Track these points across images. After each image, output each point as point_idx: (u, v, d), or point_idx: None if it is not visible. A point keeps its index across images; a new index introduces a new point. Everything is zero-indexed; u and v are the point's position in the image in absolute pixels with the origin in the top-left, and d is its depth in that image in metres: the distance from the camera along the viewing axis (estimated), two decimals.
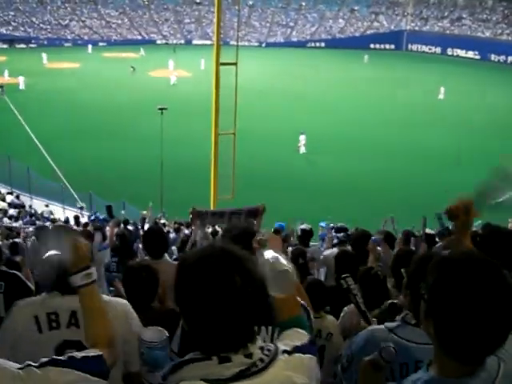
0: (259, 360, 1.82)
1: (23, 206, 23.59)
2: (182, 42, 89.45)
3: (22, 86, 48.40)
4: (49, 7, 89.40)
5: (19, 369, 2.02)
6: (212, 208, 22.07)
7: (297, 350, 1.97)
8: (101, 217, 18.72)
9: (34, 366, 2.06)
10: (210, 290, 1.74)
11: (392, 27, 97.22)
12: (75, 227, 16.83)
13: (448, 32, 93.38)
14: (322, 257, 8.27)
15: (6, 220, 20.29)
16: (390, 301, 4.22)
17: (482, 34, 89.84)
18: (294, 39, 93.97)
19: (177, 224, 18.05)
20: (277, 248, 2.35)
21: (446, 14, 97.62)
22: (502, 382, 1.81)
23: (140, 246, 11.11)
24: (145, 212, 21.20)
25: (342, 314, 5.02)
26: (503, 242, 3.40)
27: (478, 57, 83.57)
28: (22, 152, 30.06)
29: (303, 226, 9.00)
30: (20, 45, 78.69)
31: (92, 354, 2.21)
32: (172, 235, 16.11)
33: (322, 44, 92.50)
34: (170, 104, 32.57)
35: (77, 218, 18.98)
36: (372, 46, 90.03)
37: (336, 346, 4.67)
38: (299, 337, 2.07)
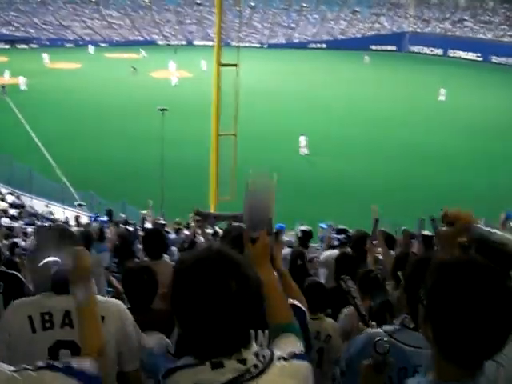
0: (253, 366, 1.79)
1: (23, 207, 23.60)
2: (183, 42, 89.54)
3: (23, 87, 48.40)
4: (50, 8, 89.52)
5: (14, 371, 2.01)
6: (212, 210, 22.10)
7: (294, 356, 1.95)
8: (101, 218, 18.72)
9: (30, 369, 2.05)
10: (204, 294, 1.72)
11: (393, 29, 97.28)
12: (75, 228, 16.83)
13: (449, 33, 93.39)
14: (322, 258, 8.26)
15: (6, 220, 20.30)
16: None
17: (483, 36, 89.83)
18: (296, 40, 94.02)
19: (176, 225, 18.04)
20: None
21: (447, 15, 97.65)
22: None
23: (139, 246, 11.09)
24: (144, 212, 21.21)
25: (341, 316, 5.00)
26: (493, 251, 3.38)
27: (479, 58, 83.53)
28: (23, 152, 30.09)
29: (303, 228, 8.99)
30: (21, 45, 78.76)
31: (88, 367, 2.21)
32: (172, 236, 16.09)
33: (324, 45, 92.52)
34: (171, 105, 32.56)
35: (77, 218, 18.98)
36: (373, 47, 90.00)
37: (335, 349, 4.65)
38: (293, 344, 2.05)
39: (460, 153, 33.89)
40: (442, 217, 2.79)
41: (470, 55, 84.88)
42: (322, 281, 7.12)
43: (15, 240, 12.86)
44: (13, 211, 21.83)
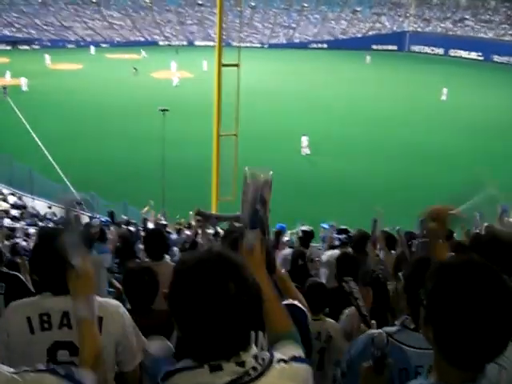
0: (252, 369, 1.78)
1: (25, 207, 23.61)
2: (184, 43, 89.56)
3: (24, 87, 48.43)
4: (52, 9, 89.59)
5: (14, 373, 2.01)
6: (213, 210, 22.08)
7: (293, 359, 1.95)
8: (102, 219, 18.70)
9: (30, 371, 2.05)
10: (202, 296, 1.72)
11: (394, 28, 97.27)
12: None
13: (451, 33, 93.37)
14: (323, 258, 8.25)
15: (8, 221, 20.31)
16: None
17: (484, 35, 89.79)
18: (297, 40, 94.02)
19: (178, 225, 18.06)
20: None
21: (448, 14, 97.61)
22: None
23: (141, 247, 11.09)
24: (145, 209, 21.26)
25: (342, 317, 5.00)
26: (503, 247, 3.37)
27: (480, 58, 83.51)
28: (25, 153, 30.11)
29: (304, 228, 8.99)
30: (23, 46, 78.88)
31: (88, 380, 2.22)
32: (173, 236, 16.10)
33: (325, 45, 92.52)
34: (172, 105, 32.57)
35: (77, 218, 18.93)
36: (374, 47, 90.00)
37: (336, 349, 4.65)
38: (293, 348, 2.04)
39: (461, 152, 33.86)
40: (426, 216, 2.84)
41: (472, 54, 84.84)
42: (323, 281, 7.13)
43: (17, 241, 12.88)
44: (14, 212, 21.85)
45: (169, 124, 28.66)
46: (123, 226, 16.75)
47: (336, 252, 7.70)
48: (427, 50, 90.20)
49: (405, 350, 2.62)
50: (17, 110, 40.89)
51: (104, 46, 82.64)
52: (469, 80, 62.50)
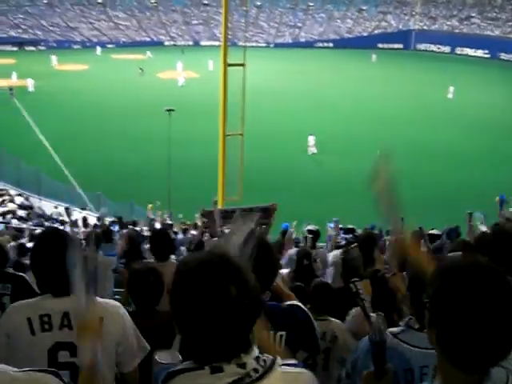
0: (253, 370, 1.78)
1: (32, 208, 23.70)
2: (190, 43, 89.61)
3: (31, 88, 48.60)
4: (58, 10, 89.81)
5: (18, 372, 2.02)
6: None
7: (295, 365, 1.94)
8: (109, 219, 18.74)
9: (35, 371, 2.06)
10: (203, 298, 1.71)
11: (400, 26, 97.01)
12: (83, 229, 16.89)
13: (457, 31, 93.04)
14: (330, 257, 8.23)
15: (15, 221, 20.41)
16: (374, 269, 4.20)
17: (491, 33, 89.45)
18: (302, 39, 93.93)
19: (183, 225, 18.09)
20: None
21: (454, 12, 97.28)
22: None
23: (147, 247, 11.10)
24: (149, 206, 21.29)
25: (348, 318, 4.99)
26: (509, 243, 3.36)
27: (487, 55, 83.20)
28: (32, 154, 30.22)
29: (310, 227, 8.97)
30: (29, 47, 79.15)
31: None
32: (180, 236, 16.13)
33: (330, 44, 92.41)
34: (178, 105, 32.63)
35: (85, 220, 19.03)
36: (380, 45, 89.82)
37: (341, 349, 4.64)
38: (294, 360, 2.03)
39: (467, 150, 33.79)
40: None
41: (478, 52, 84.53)
42: (329, 281, 7.12)
43: (22, 241, 12.92)
44: (21, 212, 21.94)
45: (175, 124, 28.71)
46: (130, 227, 16.78)
47: (342, 251, 7.67)
48: (433, 48, 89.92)
49: (409, 349, 2.61)
50: (23, 111, 41.04)
51: (110, 46, 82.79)
52: (475, 78, 62.30)
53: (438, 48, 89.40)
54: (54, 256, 2.91)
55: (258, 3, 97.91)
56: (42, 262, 2.97)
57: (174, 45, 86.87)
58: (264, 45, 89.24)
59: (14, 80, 50.48)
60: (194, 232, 16.45)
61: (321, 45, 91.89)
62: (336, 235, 12.09)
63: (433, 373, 1.87)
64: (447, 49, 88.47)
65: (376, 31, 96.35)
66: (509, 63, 77.68)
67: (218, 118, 21.99)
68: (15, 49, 76.95)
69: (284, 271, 7.47)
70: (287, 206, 20.24)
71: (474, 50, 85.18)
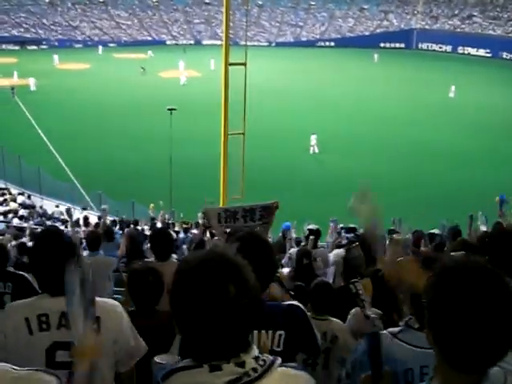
0: (252, 370, 1.77)
1: (34, 207, 23.72)
2: (192, 42, 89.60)
3: (32, 88, 48.64)
4: (59, 9, 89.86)
5: (20, 371, 2.02)
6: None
7: (295, 367, 1.94)
8: (111, 218, 18.78)
9: (37, 370, 2.06)
10: (202, 297, 1.72)
11: (402, 26, 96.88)
12: (84, 228, 16.91)
13: (459, 30, 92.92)
14: (330, 257, 8.24)
15: (16, 220, 20.42)
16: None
17: (493, 32, 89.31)
18: (304, 39, 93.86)
19: (185, 224, 18.10)
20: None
21: (456, 11, 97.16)
22: None
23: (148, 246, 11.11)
24: (152, 205, 21.28)
25: (349, 317, 4.98)
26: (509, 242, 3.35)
27: (489, 55, 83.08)
28: (33, 153, 30.24)
29: (310, 226, 8.97)
30: (31, 46, 79.19)
31: None
32: (181, 235, 16.14)
33: (332, 43, 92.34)
34: (180, 104, 32.63)
35: (86, 219, 19.05)
36: (382, 44, 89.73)
37: (341, 349, 4.63)
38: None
39: (469, 150, 33.76)
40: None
41: (480, 51, 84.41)
42: (331, 280, 7.12)
43: (23, 240, 12.93)
44: (23, 211, 21.96)
45: (176, 123, 28.70)
46: (131, 226, 16.81)
47: (343, 251, 7.67)
48: (435, 47, 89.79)
49: (409, 349, 2.60)
50: (25, 110, 41.07)
51: (111, 45, 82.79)
52: (477, 77, 62.23)
53: (440, 47, 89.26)
54: (52, 256, 2.91)
55: (260, 2, 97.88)
56: (40, 261, 2.97)
57: (176, 44, 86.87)
58: (265, 44, 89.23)
59: (15, 79, 50.47)
60: (195, 231, 16.46)
61: (322, 44, 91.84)
62: (337, 234, 12.09)
63: (430, 376, 1.87)
64: (449, 48, 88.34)
65: (378, 30, 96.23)
66: (510, 62, 77.54)
67: (220, 117, 21.96)
68: (17, 48, 77.03)
69: (284, 270, 7.48)
70: (289, 205, 20.20)
71: (475, 49, 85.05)
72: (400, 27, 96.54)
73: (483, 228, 9.79)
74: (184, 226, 18.18)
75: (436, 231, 10.17)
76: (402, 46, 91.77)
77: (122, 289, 7.54)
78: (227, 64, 20.68)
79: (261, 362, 1.81)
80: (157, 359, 3.02)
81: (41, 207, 24.08)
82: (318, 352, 3.19)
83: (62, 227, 16.59)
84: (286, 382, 1.84)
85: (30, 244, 12.04)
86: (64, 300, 2.68)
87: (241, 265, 1.82)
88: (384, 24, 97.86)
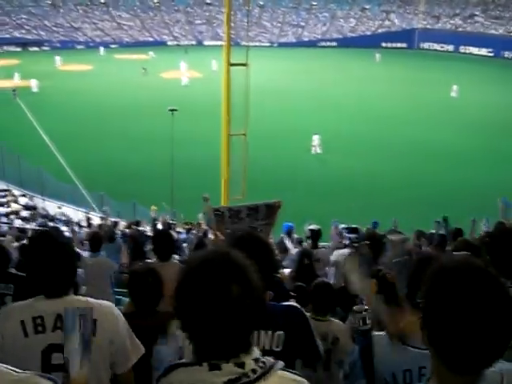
0: (251, 371, 1.77)
1: (36, 208, 23.75)
2: (193, 42, 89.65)
3: (34, 89, 48.67)
4: (61, 10, 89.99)
5: (21, 373, 2.02)
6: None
7: (294, 373, 1.94)
8: (112, 219, 18.81)
9: (38, 375, 2.05)
10: (204, 296, 1.72)
11: (403, 25, 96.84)
12: (86, 229, 16.92)
13: (460, 29, 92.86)
14: (331, 257, 8.21)
15: (18, 222, 20.45)
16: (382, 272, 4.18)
17: (495, 31, 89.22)
18: (306, 39, 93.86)
19: (186, 225, 18.11)
20: None
21: (458, 11, 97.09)
22: None
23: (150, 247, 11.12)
24: (153, 207, 21.26)
25: (350, 316, 4.96)
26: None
27: (491, 54, 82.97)
28: (35, 154, 30.26)
29: (312, 227, 8.95)
30: (33, 48, 79.26)
31: None
32: (183, 236, 16.16)
33: (334, 43, 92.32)
34: (182, 105, 32.63)
35: (88, 219, 19.08)
36: (384, 44, 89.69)
37: (342, 351, 4.62)
38: None
39: (471, 150, 33.71)
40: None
41: (482, 51, 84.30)
42: (332, 281, 7.11)
43: (25, 242, 12.93)
44: (25, 213, 21.98)
45: (178, 124, 28.69)
46: (133, 227, 16.82)
47: (344, 251, 7.65)
48: (437, 47, 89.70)
49: (408, 350, 2.60)
50: (27, 112, 41.11)
51: (113, 46, 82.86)
52: (479, 77, 62.15)
53: (442, 47, 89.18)
54: (46, 257, 2.91)
55: (261, 3, 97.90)
56: (34, 263, 2.96)
57: (177, 44, 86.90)
58: (267, 44, 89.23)
59: (17, 81, 50.48)
60: (197, 232, 16.47)
61: (324, 44, 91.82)
62: (339, 235, 12.06)
63: (427, 378, 1.86)
64: (451, 47, 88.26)
65: (379, 30, 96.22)
66: None
67: (221, 118, 21.97)
68: (19, 49, 77.10)
69: (286, 271, 7.47)
70: (291, 205, 20.20)
71: (477, 48, 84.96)
72: (402, 27, 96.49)
73: (485, 229, 9.79)
74: (186, 226, 18.19)
75: (437, 231, 10.15)
76: (404, 45, 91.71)
77: (123, 290, 7.56)
78: (228, 64, 20.69)
79: (261, 364, 1.81)
80: (158, 354, 3.02)
81: (43, 208, 24.11)
82: (318, 358, 3.15)
83: (64, 228, 16.59)
84: None
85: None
86: (59, 302, 2.68)
87: (245, 265, 1.83)
88: (386, 24, 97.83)
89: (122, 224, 18.84)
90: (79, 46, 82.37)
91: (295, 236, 13.13)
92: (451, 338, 1.64)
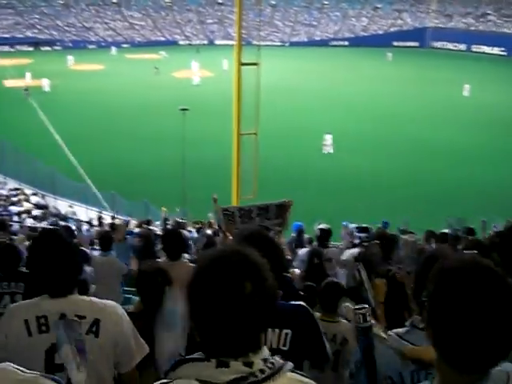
0: (259, 371, 1.75)
1: (47, 207, 23.83)
2: (205, 42, 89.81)
3: (46, 88, 48.91)
4: (73, 10, 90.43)
5: (27, 374, 2.02)
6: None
7: (304, 375, 1.93)
8: (122, 218, 18.86)
9: (43, 376, 2.05)
10: (216, 292, 1.71)
11: (416, 24, 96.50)
12: (97, 228, 16.97)
13: (473, 28, 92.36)
14: (342, 257, 8.18)
15: (30, 221, 20.51)
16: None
17: (507, 30, 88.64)
18: (317, 38, 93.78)
19: (198, 224, 18.12)
20: None
21: (470, 10, 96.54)
22: None
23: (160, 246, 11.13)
24: (164, 208, 21.30)
25: (352, 316, 4.93)
26: None
27: (504, 53, 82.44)
28: (47, 153, 30.41)
29: (321, 226, 8.91)
30: (45, 47, 79.72)
31: None
32: (193, 235, 16.18)
33: (346, 42, 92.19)
34: (193, 104, 32.68)
35: (100, 218, 19.14)
36: (395, 43, 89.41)
37: (351, 352, 4.59)
38: None
39: (484, 149, 33.52)
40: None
41: (495, 50, 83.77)
42: (343, 281, 7.08)
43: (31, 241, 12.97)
44: (36, 212, 22.06)
45: (189, 123, 28.72)
46: (144, 226, 16.85)
47: (355, 251, 7.63)
48: (449, 46, 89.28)
49: None
50: (39, 111, 41.32)
51: (125, 46, 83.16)
52: (491, 76, 61.76)
53: (454, 46, 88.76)
54: (50, 257, 2.91)
55: (273, 2, 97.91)
56: (38, 262, 2.97)
57: (189, 44, 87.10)
58: (279, 43, 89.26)
59: (29, 80, 50.74)
60: (208, 231, 16.49)
61: (336, 43, 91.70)
62: (349, 235, 12.05)
63: (432, 377, 1.85)
64: (463, 46, 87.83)
65: (391, 29, 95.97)
66: None
67: (232, 117, 21.97)
68: (31, 49, 77.59)
69: (296, 271, 7.44)
70: (302, 204, 20.15)
71: (490, 47, 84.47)
72: (414, 26, 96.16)
73: (495, 229, 9.73)
74: (196, 226, 18.21)
75: (447, 231, 10.10)
76: (416, 44, 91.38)
77: (132, 288, 7.59)
78: (240, 64, 20.67)
79: (269, 365, 1.79)
80: (161, 348, 3.01)
81: (54, 207, 24.20)
82: (326, 359, 3.13)
83: (74, 227, 16.64)
84: None
85: None
86: (63, 301, 2.68)
87: (259, 263, 1.81)
88: (398, 23, 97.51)
89: (133, 223, 18.88)
90: (91, 46, 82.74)
91: (306, 236, 13.10)
92: (456, 337, 1.63)
